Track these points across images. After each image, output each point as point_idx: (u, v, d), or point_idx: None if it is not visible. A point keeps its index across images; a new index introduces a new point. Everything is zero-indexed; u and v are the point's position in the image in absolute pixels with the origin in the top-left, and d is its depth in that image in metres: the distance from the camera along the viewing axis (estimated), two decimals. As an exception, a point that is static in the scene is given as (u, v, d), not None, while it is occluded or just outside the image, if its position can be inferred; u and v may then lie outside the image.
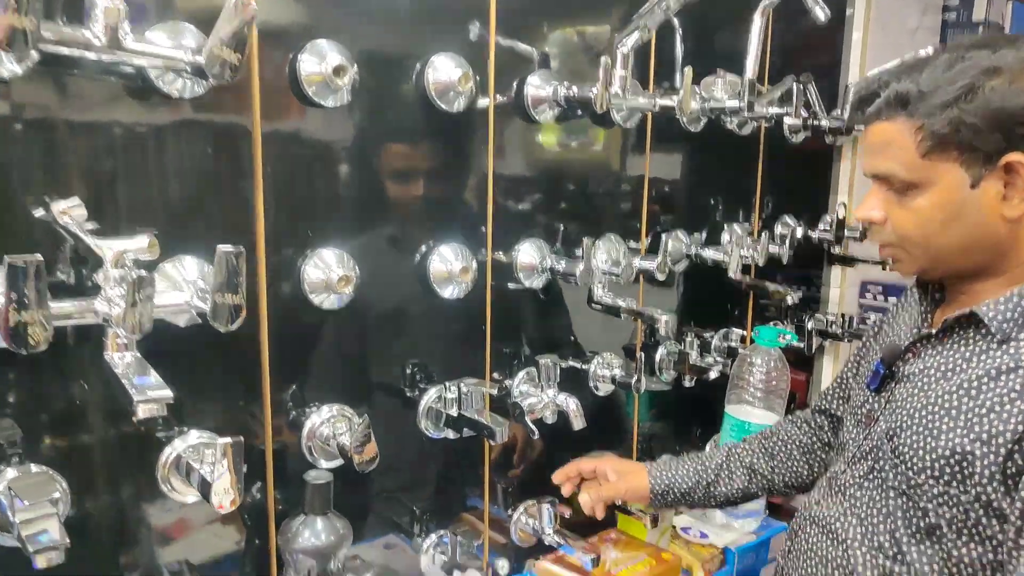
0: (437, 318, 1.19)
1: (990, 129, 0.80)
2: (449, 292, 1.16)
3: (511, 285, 1.26)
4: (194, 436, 0.91)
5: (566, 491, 1.27)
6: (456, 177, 1.18)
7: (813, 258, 1.86)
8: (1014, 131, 0.80)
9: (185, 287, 0.84)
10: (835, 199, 1.85)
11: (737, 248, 1.46)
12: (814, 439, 1.25)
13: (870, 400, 1.01)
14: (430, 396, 1.17)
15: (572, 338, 1.41)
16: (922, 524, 0.89)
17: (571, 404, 1.22)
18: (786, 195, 1.72)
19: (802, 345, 1.72)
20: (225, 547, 1.02)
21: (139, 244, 0.77)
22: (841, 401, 1.22)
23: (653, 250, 1.43)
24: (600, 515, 1.23)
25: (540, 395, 1.24)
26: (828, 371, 1.94)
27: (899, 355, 0.97)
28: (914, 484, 0.89)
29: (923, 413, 0.89)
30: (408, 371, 1.17)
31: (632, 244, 1.43)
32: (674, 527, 1.50)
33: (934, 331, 0.94)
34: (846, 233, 1.69)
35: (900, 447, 0.91)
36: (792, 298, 1.49)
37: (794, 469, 1.24)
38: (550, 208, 1.32)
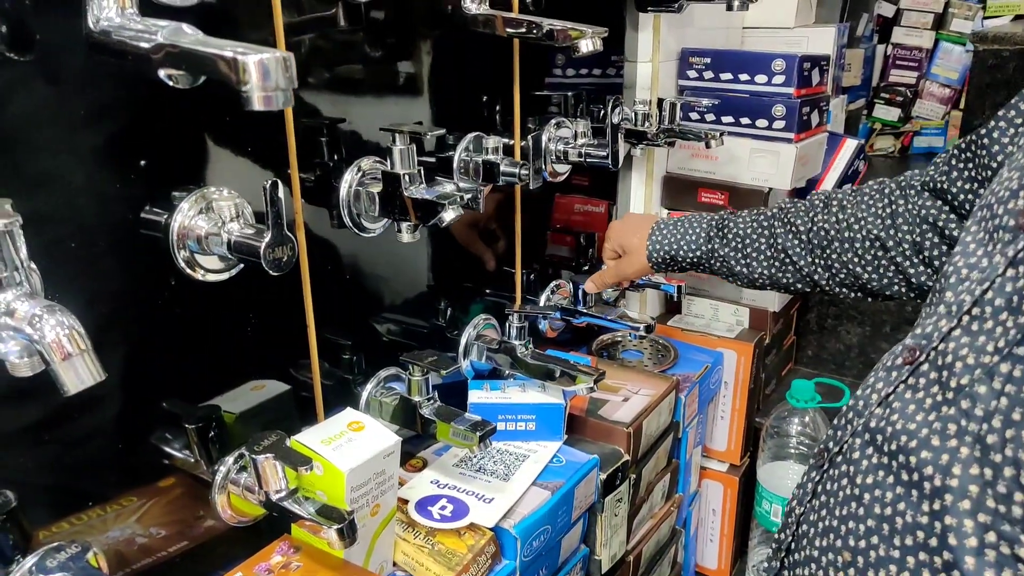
0: None
1: None
2: None
3: None
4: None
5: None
6: None
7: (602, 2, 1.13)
8: None
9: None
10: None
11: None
12: (924, 222, 0.80)
13: None
14: None
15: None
16: None
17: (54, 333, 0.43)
18: None
19: (604, 155, 1.03)
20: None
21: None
22: (966, 185, 0.75)
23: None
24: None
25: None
26: (638, 196, 1.28)
27: None
28: None
29: None
30: None
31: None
32: (404, 505, 0.80)
33: None
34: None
35: None
36: (591, 42, 0.75)
37: (869, 261, 0.84)
38: None
